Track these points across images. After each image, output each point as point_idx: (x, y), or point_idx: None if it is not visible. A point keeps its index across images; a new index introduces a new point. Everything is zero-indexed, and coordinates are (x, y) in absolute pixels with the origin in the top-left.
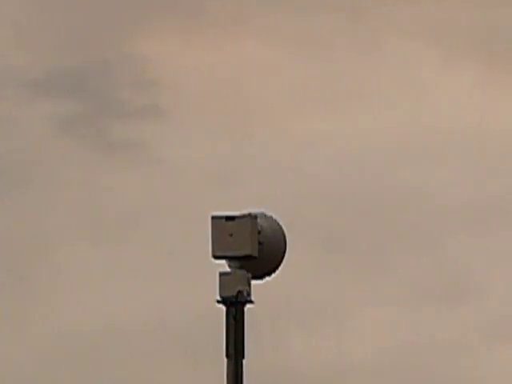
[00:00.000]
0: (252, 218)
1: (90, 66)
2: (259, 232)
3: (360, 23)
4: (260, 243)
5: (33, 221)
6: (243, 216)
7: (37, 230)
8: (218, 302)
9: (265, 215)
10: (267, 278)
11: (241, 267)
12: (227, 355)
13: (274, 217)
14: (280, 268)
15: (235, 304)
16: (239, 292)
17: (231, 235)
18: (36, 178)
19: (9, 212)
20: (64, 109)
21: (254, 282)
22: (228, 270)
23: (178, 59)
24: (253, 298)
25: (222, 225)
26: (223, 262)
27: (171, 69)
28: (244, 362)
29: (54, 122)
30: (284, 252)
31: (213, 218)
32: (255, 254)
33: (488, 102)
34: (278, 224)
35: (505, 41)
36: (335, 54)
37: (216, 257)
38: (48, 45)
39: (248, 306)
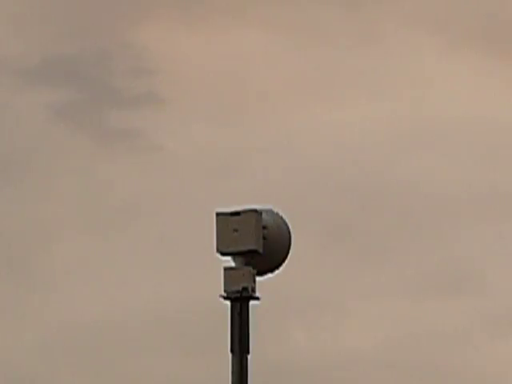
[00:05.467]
0: (257, 213)
1: (87, 55)
2: (264, 227)
3: (361, 12)
4: (265, 238)
5: (29, 210)
6: (248, 211)
7: (33, 219)
8: (223, 297)
9: (269, 210)
10: (272, 274)
11: (246, 263)
12: (232, 351)
13: (278, 212)
14: (285, 263)
15: (240, 300)
16: (244, 288)
17: (236, 231)
18: (33, 167)
19: (5, 201)
20: (61, 97)
21: (258, 278)
22: (233, 265)
23: (176, 47)
24: (258, 294)
25: (227, 220)
26: (228, 257)
27: (169, 57)
28: (249, 357)
29: (51, 111)
30: (289, 247)
31: (217, 213)
32: (260, 249)
33: (490, 90)
34: (283, 219)
35: (507, 29)
36: (336, 43)
37: (221, 252)
38: (45, 33)
39: (253, 301)
